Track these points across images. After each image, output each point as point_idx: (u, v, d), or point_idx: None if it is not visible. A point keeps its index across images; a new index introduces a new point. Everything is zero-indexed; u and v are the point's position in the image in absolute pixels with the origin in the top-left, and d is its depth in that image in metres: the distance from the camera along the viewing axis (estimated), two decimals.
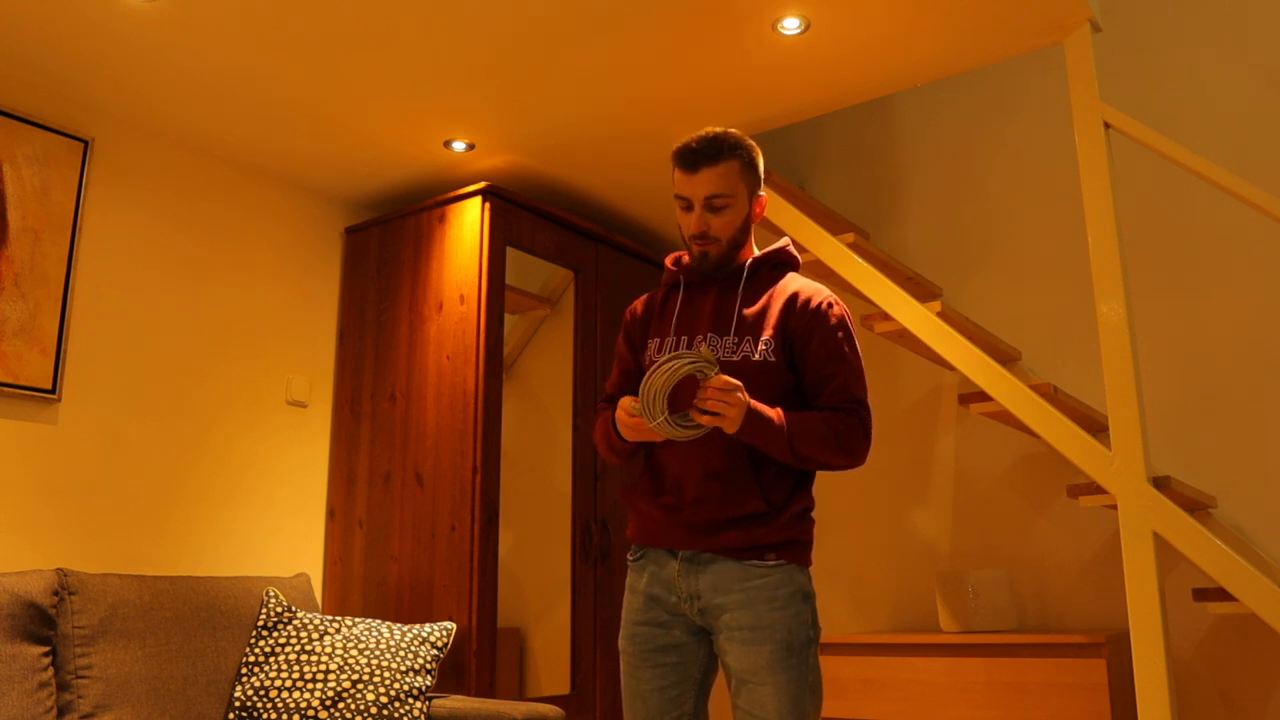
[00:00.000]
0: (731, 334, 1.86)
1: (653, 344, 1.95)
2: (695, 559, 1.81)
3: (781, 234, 3.00)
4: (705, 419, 1.69)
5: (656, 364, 1.69)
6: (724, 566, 1.79)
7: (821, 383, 1.84)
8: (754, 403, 1.74)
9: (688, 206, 1.88)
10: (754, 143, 1.92)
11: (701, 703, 1.86)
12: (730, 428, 1.70)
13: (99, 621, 2.49)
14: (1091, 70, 2.57)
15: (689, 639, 1.84)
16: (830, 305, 1.87)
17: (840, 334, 1.85)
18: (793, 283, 1.92)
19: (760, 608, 1.75)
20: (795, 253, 1.99)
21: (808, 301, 1.86)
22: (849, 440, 1.80)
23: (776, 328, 1.84)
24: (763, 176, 1.95)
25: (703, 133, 1.86)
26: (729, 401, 1.68)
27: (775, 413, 1.76)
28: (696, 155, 1.84)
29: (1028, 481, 3.21)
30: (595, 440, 1.98)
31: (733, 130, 1.89)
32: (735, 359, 1.83)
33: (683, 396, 1.82)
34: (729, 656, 1.77)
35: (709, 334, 1.87)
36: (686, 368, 1.68)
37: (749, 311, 1.88)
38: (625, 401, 1.77)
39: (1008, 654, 2.67)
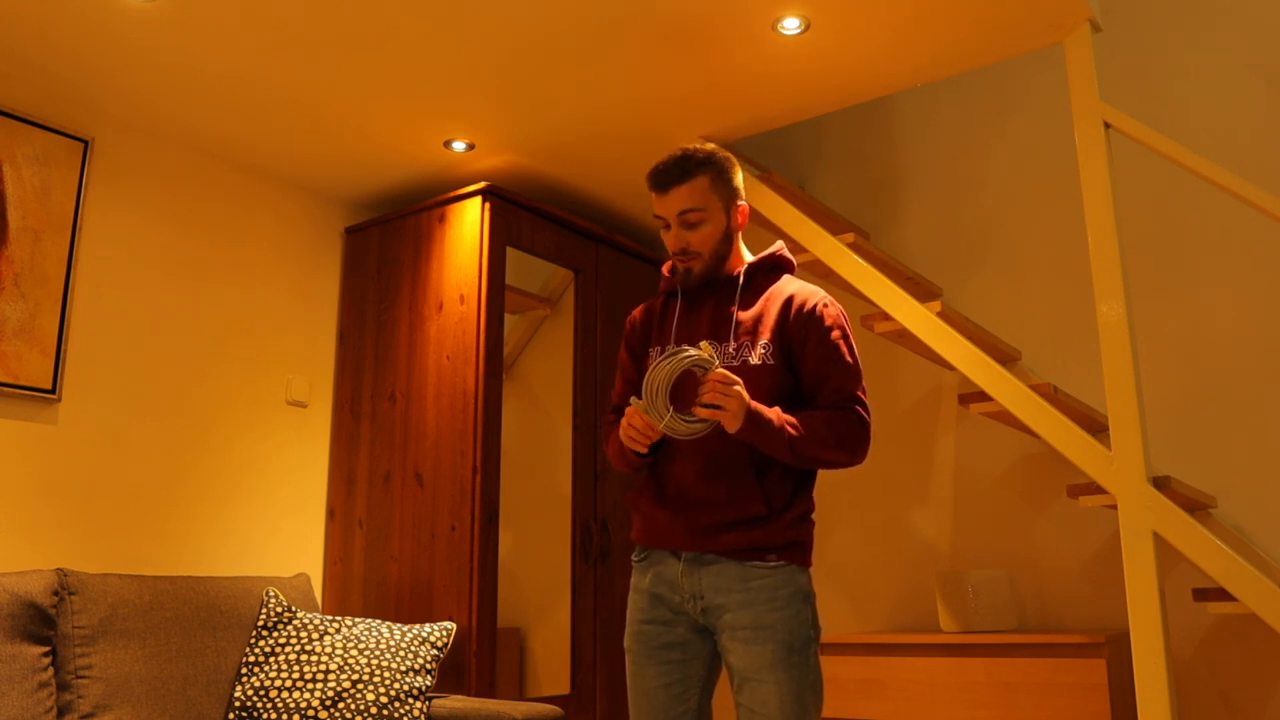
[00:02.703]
0: (730, 340, 1.89)
1: (653, 352, 1.99)
2: (698, 560, 1.84)
3: (784, 234, 3.00)
4: (706, 413, 1.72)
5: (657, 360, 1.74)
6: (726, 568, 1.81)
7: (820, 382, 1.86)
8: (754, 403, 1.76)
9: (666, 226, 1.93)
10: (728, 154, 1.95)
11: (706, 699, 1.89)
12: (731, 423, 1.73)
13: (99, 621, 2.49)
14: (1091, 70, 2.57)
15: (693, 637, 1.87)
16: (826, 306, 1.89)
17: (836, 334, 1.88)
18: (789, 285, 1.94)
19: (761, 608, 1.78)
20: (790, 256, 2.02)
21: (803, 304, 1.89)
22: (849, 438, 1.82)
23: (774, 331, 1.87)
24: (740, 187, 1.96)
25: (672, 152, 1.91)
26: (728, 394, 1.71)
27: (774, 413, 1.78)
28: (665, 175, 1.89)
29: (1028, 481, 3.21)
30: (609, 454, 2.02)
31: (704, 146, 1.92)
32: (735, 364, 1.87)
33: (686, 398, 1.84)
34: (732, 655, 1.80)
35: (708, 340, 1.91)
36: (686, 361, 1.73)
37: (746, 316, 1.91)
38: (630, 412, 1.80)
39: (1008, 654, 2.67)
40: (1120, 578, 2.98)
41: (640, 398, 1.77)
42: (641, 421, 1.77)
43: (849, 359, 1.88)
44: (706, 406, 1.72)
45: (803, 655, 1.77)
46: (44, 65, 2.76)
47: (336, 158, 3.36)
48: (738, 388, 1.72)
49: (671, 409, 1.74)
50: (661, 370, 1.73)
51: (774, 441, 1.77)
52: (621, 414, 2.04)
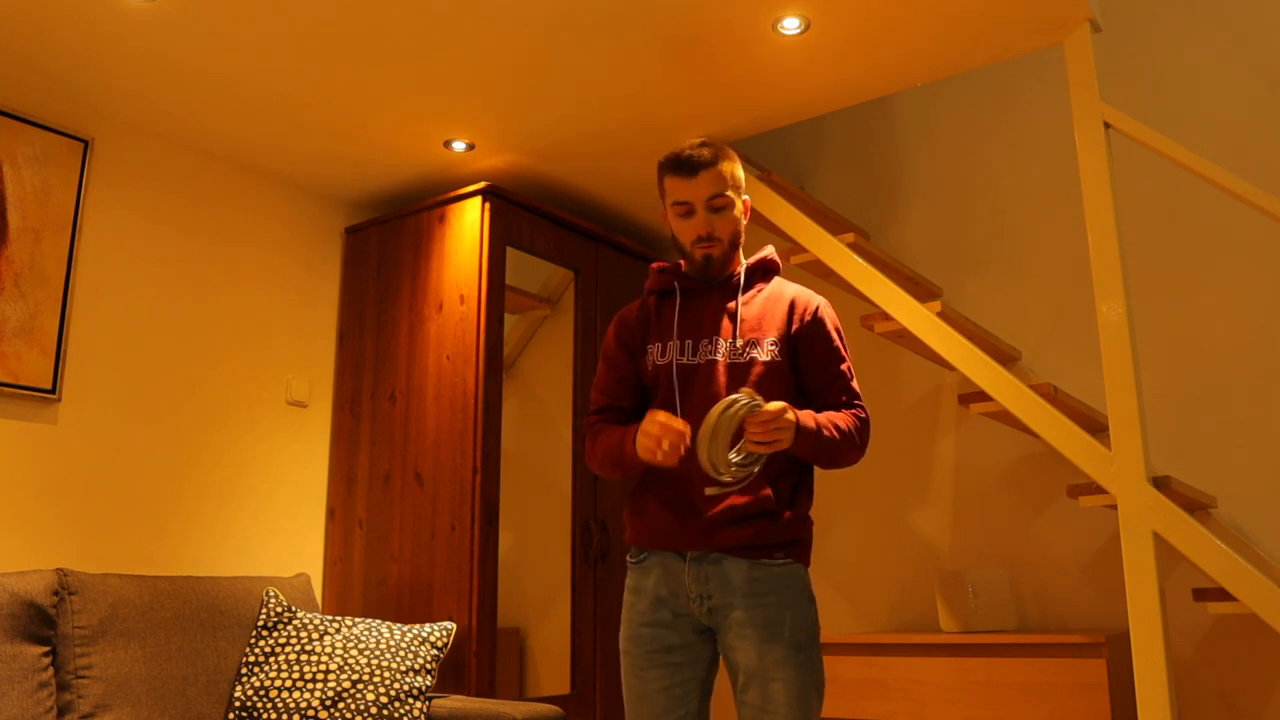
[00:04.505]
0: (735, 338, 1.92)
1: (653, 349, 1.98)
2: (704, 559, 1.85)
3: (784, 234, 3.01)
4: (765, 449, 1.72)
5: (707, 421, 1.68)
6: (733, 565, 1.83)
7: (827, 381, 1.92)
8: (800, 416, 1.77)
9: (689, 212, 1.94)
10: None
11: (705, 701, 1.89)
12: (785, 445, 1.74)
13: (99, 621, 2.49)
14: (1091, 70, 2.57)
15: (695, 639, 1.87)
16: (825, 309, 1.98)
17: (837, 336, 1.97)
18: (786, 288, 2.00)
19: (770, 606, 1.80)
20: (777, 258, 2.07)
21: (806, 308, 1.95)
22: (862, 436, 1.90)
23: (782, 332, 1.92)
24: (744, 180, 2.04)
25: (691, 142, 1.96)
26: (781, 426, 1.72)
27: (810, 418, 1.79)
28: (694, 160, 1.93)
29: (1028, 481, 3.21)
30: (594, 459, 1.97)
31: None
32: (743, 361, 1.89)
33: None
34: (738, 654, 1.80)
35: (714, 338, 1.92)
36: (741, 410, 1.69)
37: (750, 316, 1.95)
38: (662, 425, 1.74)
39: (1008, 654, 2.67)
40: (1120, 578, 2.98)
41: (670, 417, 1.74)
42: (673, 434, 1.73)
43: (848, 358, 1.97)
44: (761, 444, 1.71)
45: (809, 654, 1.80)
46: (44, 65, 2.76)
47: (336, 158, 3.36)
48: (787, 416, 1.72)
49: (733, 461, 1.72)
50: (722, 427, 1.67)
51: (818, 450, 1.81)
52: (607, 416, 2.00)
